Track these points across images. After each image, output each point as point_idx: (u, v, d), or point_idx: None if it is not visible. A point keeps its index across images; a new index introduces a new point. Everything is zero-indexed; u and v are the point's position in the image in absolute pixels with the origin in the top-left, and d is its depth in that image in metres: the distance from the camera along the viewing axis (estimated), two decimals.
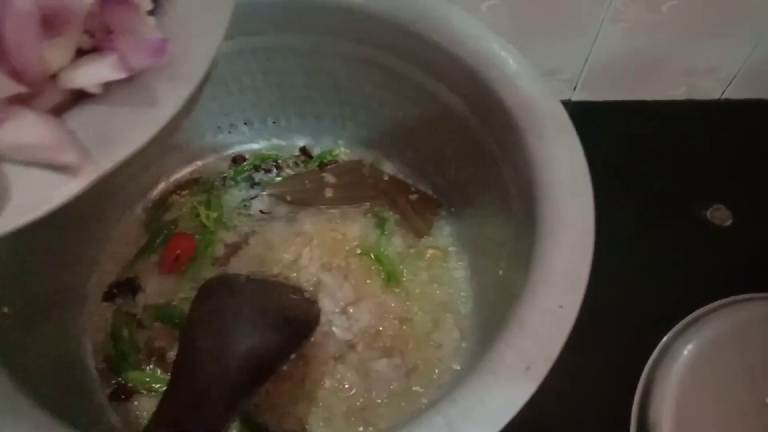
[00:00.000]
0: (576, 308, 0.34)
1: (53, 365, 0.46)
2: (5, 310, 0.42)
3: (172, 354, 0.52)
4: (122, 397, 0.50)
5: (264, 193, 0.63)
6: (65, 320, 0.51)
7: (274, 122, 0.65)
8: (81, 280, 0.55)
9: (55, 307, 0.50)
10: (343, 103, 0.62)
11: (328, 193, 0.63)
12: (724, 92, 0.76)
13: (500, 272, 0.51)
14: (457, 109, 0.52)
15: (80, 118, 0.24)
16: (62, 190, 0.23)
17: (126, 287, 0.56)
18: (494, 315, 0.50)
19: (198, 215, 0.60)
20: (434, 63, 0.50)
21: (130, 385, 0.51)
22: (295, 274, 0.56)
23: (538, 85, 0.44)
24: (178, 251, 0.57)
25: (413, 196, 0.62)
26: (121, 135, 0.24)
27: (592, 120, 0.43)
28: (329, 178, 0.64)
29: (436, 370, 0.53)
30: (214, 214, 0.60)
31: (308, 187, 0.63)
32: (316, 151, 0.66)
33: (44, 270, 0.49)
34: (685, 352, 0.55)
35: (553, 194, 0.40)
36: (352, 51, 0.54)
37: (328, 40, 0.54)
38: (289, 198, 0.62)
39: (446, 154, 0.58)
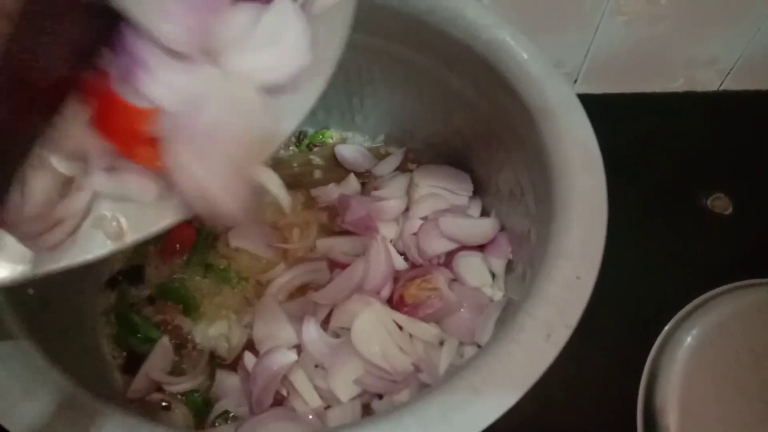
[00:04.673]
0: (593, 278, 0.35)
1: (76, 345, 0.46)
2: (30, 291, 0.42)
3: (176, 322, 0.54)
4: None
5: None
6: (81, 303, 0.53)
7: None
8: (92, 267, 0.55)
9: (70, 291, 0.51)
10: (352, 95, 0.62)
11: (317, 174, 0.64)
12: (722, 83, 0.77)
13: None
14: (468, 96, 0.53)
15: None
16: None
17: (131, 274, 0.57)
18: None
19: None
20: (447, 53, 0.51)
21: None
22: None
23: (548, 69, 0.45)
24: (179, 240, 0.58)
25: None
26: None
27: (592, 112, 0.44)
28: (317, 160, 0.65)
29: None
30: None
31: (296, 169, 0.64)
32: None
33: None
34: (689, 338, 0.56)
35: (564, 172, 0.41)
36: (363, 42, 0.54)
37: None
38: None
39: (455, 142, 0.59)
